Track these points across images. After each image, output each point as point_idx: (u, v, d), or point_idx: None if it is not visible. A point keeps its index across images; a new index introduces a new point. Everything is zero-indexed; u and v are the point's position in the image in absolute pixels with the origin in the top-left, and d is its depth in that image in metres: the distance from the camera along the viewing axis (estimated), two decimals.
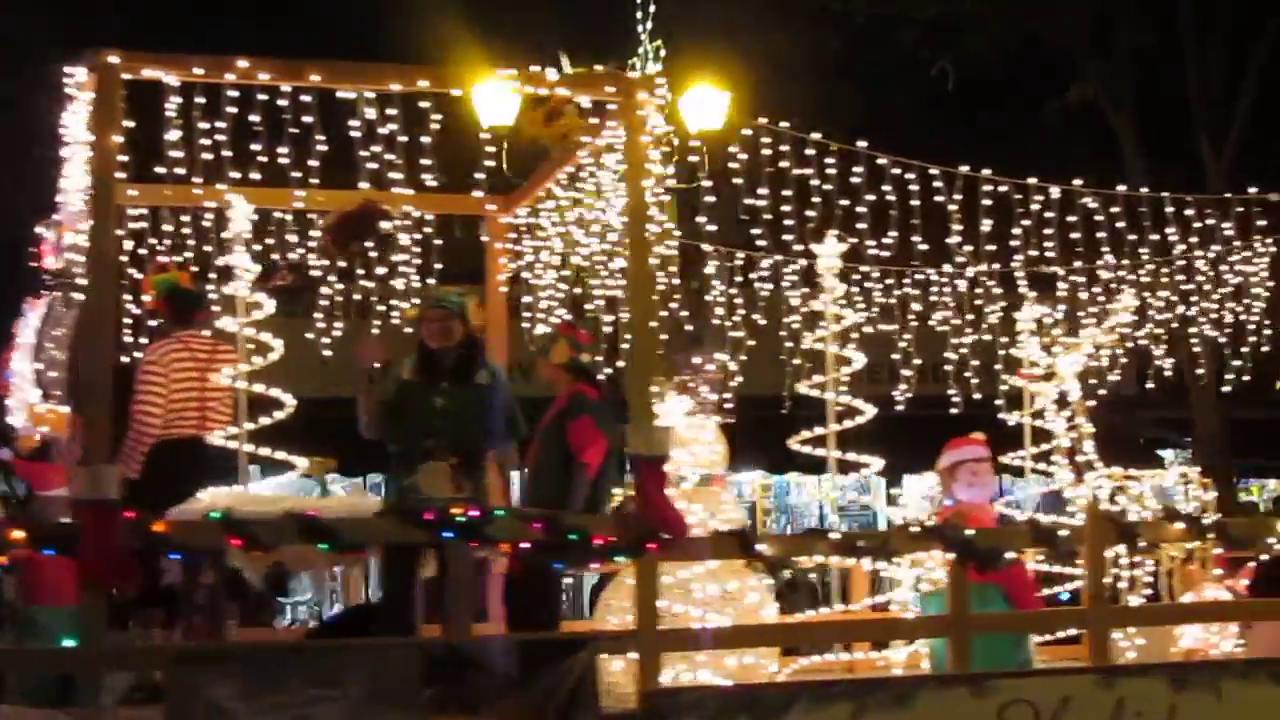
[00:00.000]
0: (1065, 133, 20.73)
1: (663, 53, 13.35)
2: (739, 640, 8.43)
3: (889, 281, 11.33)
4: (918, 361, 11.66)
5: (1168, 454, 25.21)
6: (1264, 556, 9.57)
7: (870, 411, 9.28)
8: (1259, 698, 7.85)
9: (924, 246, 10.91)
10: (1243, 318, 12.11)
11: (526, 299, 10.80)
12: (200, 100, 8.12)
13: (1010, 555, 8.02)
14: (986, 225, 10.40)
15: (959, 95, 20.41)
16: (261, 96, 8.17)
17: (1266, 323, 12.18)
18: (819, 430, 9.17)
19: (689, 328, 11.13)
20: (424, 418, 8.38)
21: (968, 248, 10.62)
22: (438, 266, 10.81)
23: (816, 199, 9.79)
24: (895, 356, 11.54)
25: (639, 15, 13.62)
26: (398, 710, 7.15)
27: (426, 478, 8.19)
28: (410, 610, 8.22)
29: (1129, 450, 23.58)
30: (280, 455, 9.16)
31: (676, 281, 10.76)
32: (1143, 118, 20.73)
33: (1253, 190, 11.64)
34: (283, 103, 8.19)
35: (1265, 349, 12.20)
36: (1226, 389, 12.69)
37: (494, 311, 10.89)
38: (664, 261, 9.29)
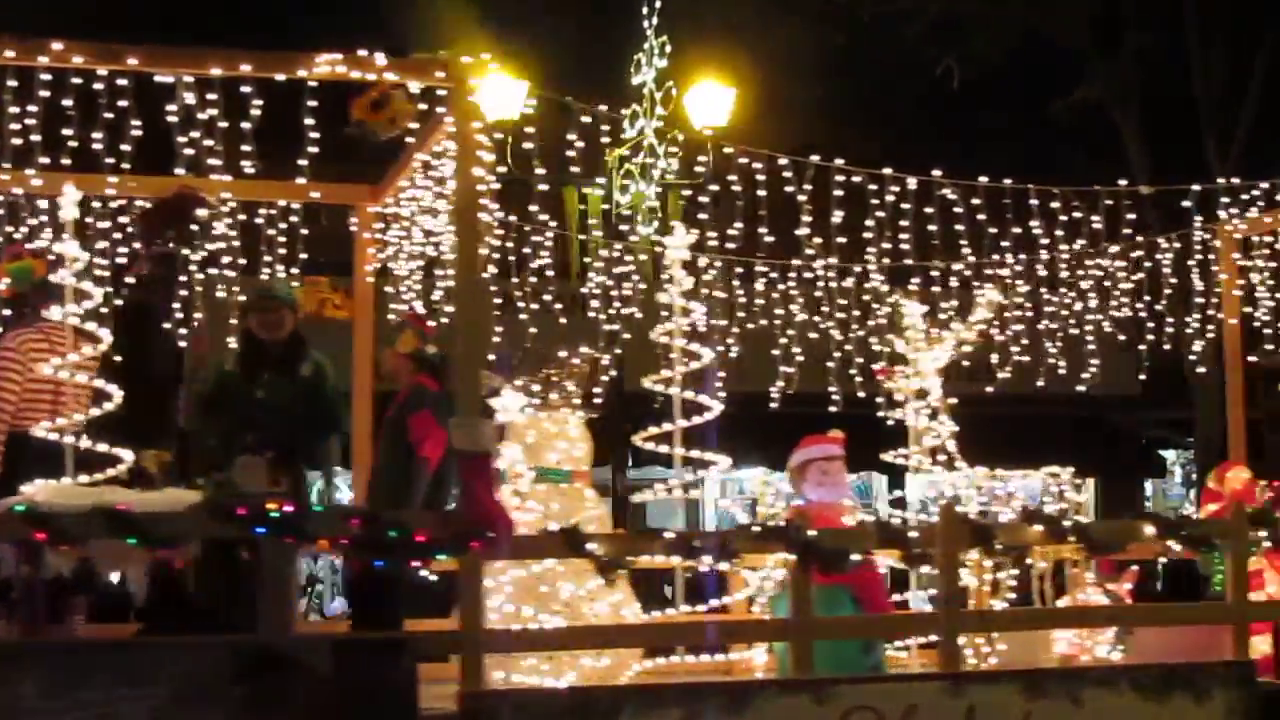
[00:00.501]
0: (1069, 133, 20.50)
1: (668, 49, 13.24)
2: (565, 642, 8.01)
3: (748, 273, 10.98)
4: (800, 358, 11.33)
5: (1170, 454, 24.91)
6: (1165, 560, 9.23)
7: (717, 408, 8.90)
8: (1120, 706, 7.48)
9: (817, 240, 10.64)
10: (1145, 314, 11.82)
11: (390, 290, 10.45)
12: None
13: (857, 557, 7.62)
14: (837, 217, 10.07)
15: (962, 94, 20.20)
16: (76, 80, 7.86)
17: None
18: (668, 426, 8.78)
19: (563, 321, 10.79)
20: (243, 410, 8.11)
21: (840, 240, 10.31)
22: (303, 256, 10.53)
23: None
24: (775, 352, 11.21)
25: (644, 11, 13.47)
26: (206, 709, 6.79)
27: (242, 472, 7.83)
28: (232, 607, 7.80)
29: (1130, 450, 23.55)
30: (105, 449, 8.70)
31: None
32: (1147, 118, 20.39)
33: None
34: (98, 86, 7.91)
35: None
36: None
37: (361, 303, 10.55)
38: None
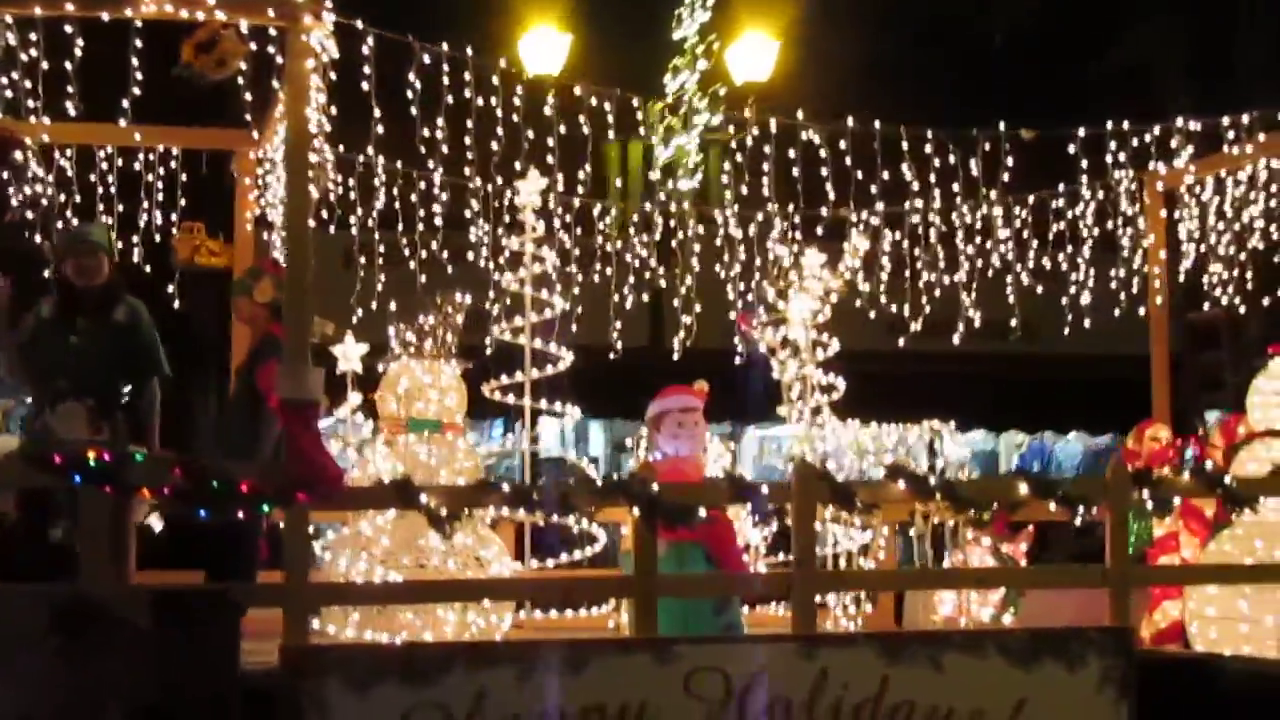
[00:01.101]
0: (1112, 95, 19.81)
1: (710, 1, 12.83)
2: (395, 596, 7.61)
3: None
4: (698, 309, 10.89)
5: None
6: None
7: (568, 358, 8.48)
8: (985, 672, 7.06)
9: None
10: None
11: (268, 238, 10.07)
12: None
13: (704, 513, 7.19)
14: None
15: (1004, 53, 19.57)
16: None
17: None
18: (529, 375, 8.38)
19: (449, 269, 10.35)
20: (58, 357, 7.80)
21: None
22: (183, 203, 10.20)
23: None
24: (676, 303, 10.77)
25: None
26: (22, 657, 6.47)
27: (62, 420, 7.53)
28: (55, 560, 7.42)
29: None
30: None
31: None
32: (1192, 80, 19.38)
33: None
34: None
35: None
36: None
37: (241, 251, 10.19)
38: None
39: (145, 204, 10.12)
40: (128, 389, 7.95)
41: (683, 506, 7.02)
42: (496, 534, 8.44)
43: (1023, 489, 7.40)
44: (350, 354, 8.33)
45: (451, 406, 8.79)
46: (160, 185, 10.12)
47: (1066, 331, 11.32)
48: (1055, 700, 7.09)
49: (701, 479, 7.87)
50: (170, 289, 10.44)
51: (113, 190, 10.07)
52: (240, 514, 7.04)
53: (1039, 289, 11.51)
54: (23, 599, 6.65)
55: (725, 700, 6.88)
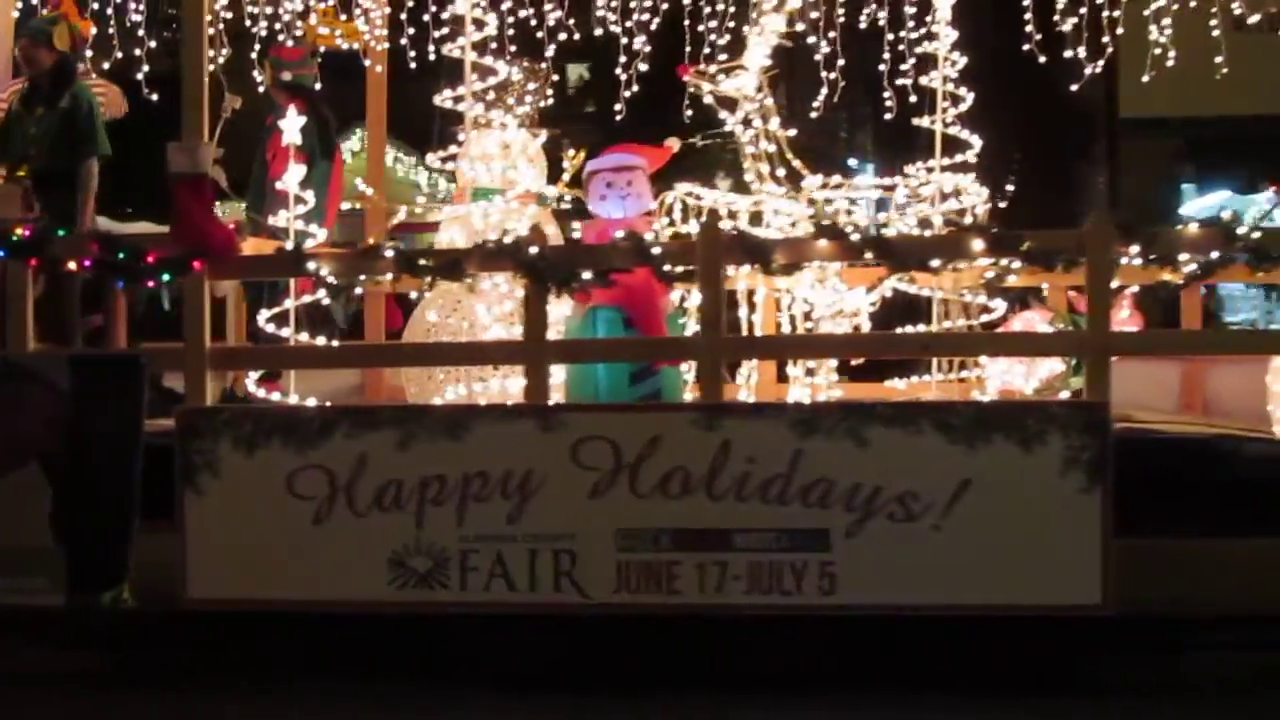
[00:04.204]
0: None
1: None
2: (298, 361, 7.29)
3: None
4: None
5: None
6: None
7: None
8: (918, 450, 6.19)
9: None
10: None
11: None
12: None
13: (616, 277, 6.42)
14: None
15: None
16: None
17: None
18: None
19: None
20: (22, 143, 8.39)
21: None
22: None
23: None
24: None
25: None
26: None
27: None
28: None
29: None
30: None
31: None
32: None
33: None
34: None
35: None
36: None
37: None
38: None
39: None
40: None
41: (566, 269, 6.30)
42: None
43: (975, 244, 6.34)
44: (290, 126, 7.79)
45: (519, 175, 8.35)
46: None
47: None
48: (1007, 484, 6.17)
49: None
50: None
51: None
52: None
53: None
54: None
55: (615, 470, 6.25)
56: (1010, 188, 10.86)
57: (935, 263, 6.45)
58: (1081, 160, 24.14)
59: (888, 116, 9.48)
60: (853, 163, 20.75)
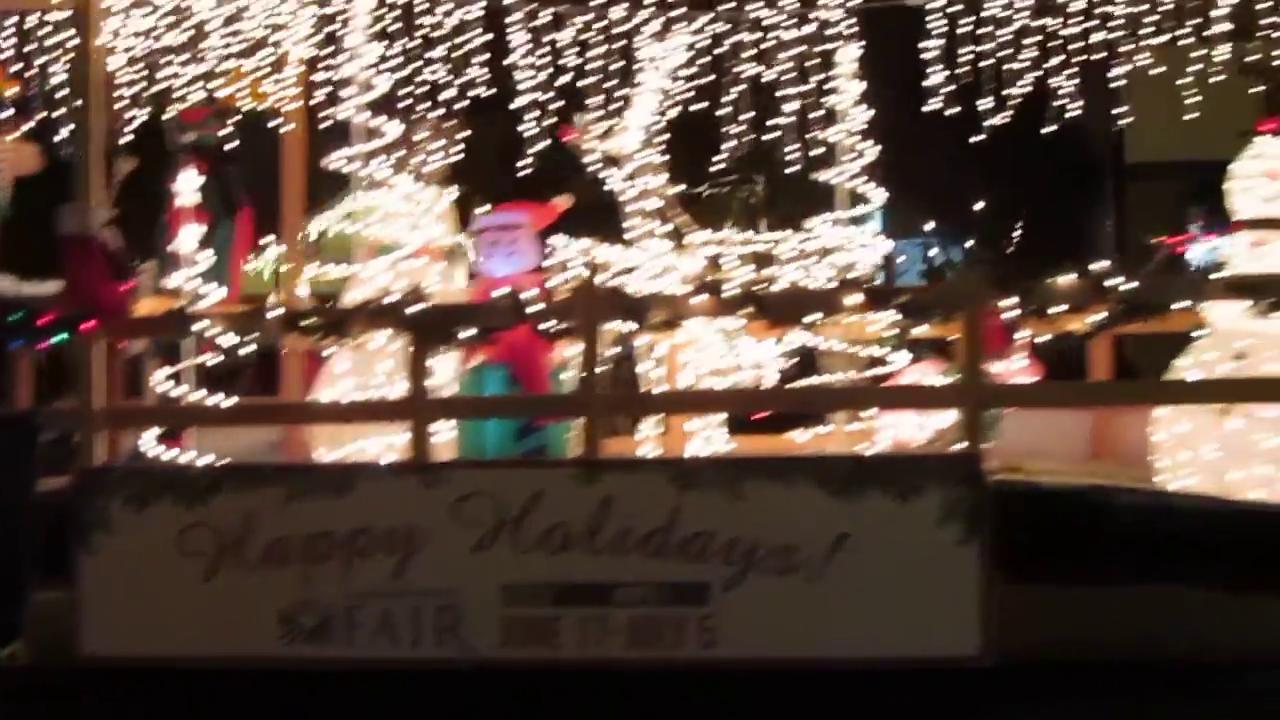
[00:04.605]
0: None
1: None
2: (187, 420, 7.41)
3: None
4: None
5: None
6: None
7: None
8: (795, 501, 6.28)
9: None
10: None
11: None
12: None
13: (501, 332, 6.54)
14: None
15: None
16: None
17: None
18: None
19: None
20: None
21: None
22: None
23: None
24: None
25: None
26: None
27: None
28: None
29: None
30: None
31: None
32: None
33: None
34: None
35: None
36: None
37: None
38: None
39: None
40: None
41: (441, 327, 6.41)
42: None
43: (852, 298, 6.46)
44: (186, 188, 7.90)
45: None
46: None
47: None
48: (885, 537, 6.26)
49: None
50: None
51: None
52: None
53: None
54: None
55: (497, 527, 6.34)
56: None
57: (810, 318, 6.56)
58: (1088, 206, 24.25)
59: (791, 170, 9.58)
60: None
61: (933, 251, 19.91)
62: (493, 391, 7.05)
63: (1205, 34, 9.60)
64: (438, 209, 8.66)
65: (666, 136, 8.18)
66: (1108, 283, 6.54)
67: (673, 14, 9.09)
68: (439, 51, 9.13)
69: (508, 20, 9.26)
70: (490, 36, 9.20)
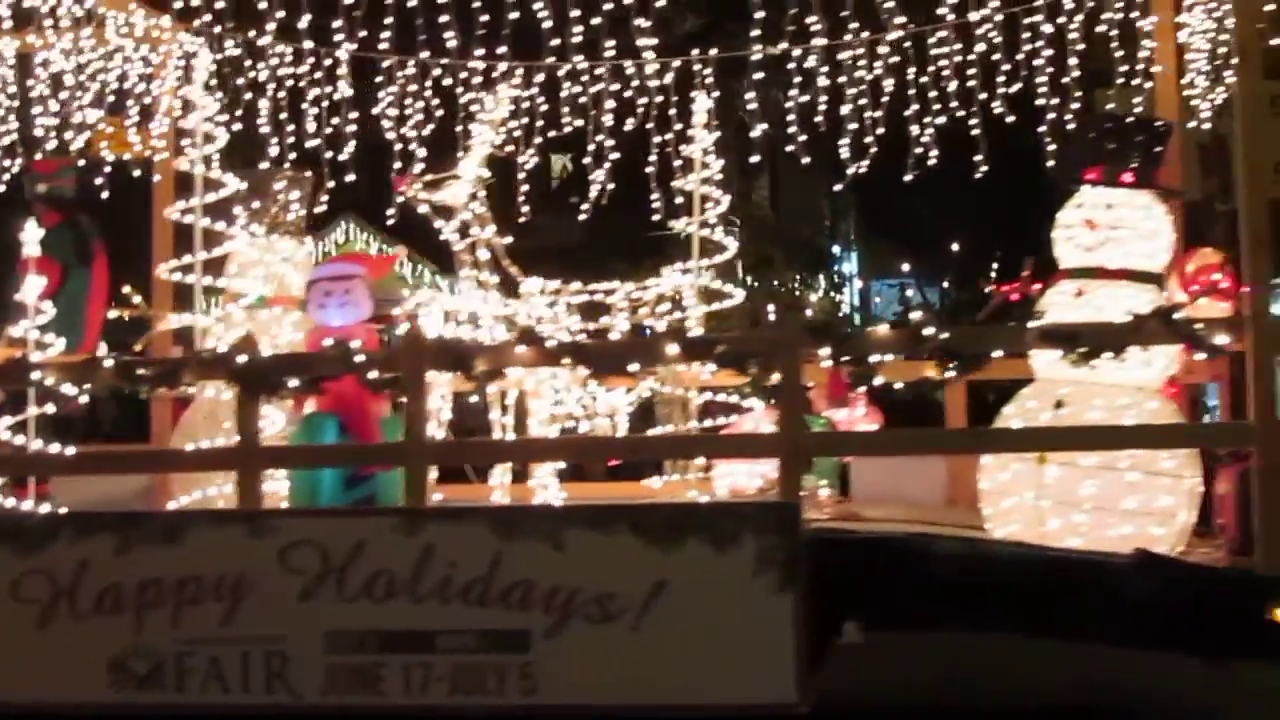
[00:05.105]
0: None
1: None
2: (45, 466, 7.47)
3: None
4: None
5: None
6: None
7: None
8: (613, 550, 6.43)
9: None
10: None
11: None
12: None
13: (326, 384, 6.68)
14: None
15: None
16: None
17: None
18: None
19: None
20: None
21: None
22: None
23: None
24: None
25: None
26: None
27: None
28: None
29: None
30: None
31: None
32: None
33: None
34: None
35: None
36: None
37: None
38: None
39: None
40: None
41: (272, 377, 6.54)
42: None
43: (669, 348, 6.63)
44: (30, 238, 7.99)
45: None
46: None
47: None
48: (701, 585, 6.41)
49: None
50: None
51: None
52: None
53: None
54: None
55: (323, 574, 6.47)
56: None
57: (632, 367, 6.73)
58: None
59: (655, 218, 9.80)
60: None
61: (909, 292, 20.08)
62: (323, 440, 7.17)
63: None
64: (296, 258, 8.82)
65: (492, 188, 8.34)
66: (925, 332, 6.73)
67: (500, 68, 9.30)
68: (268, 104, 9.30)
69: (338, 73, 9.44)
70: (330, 89, 9.38)
